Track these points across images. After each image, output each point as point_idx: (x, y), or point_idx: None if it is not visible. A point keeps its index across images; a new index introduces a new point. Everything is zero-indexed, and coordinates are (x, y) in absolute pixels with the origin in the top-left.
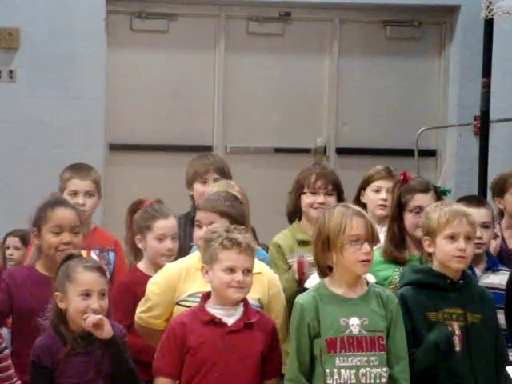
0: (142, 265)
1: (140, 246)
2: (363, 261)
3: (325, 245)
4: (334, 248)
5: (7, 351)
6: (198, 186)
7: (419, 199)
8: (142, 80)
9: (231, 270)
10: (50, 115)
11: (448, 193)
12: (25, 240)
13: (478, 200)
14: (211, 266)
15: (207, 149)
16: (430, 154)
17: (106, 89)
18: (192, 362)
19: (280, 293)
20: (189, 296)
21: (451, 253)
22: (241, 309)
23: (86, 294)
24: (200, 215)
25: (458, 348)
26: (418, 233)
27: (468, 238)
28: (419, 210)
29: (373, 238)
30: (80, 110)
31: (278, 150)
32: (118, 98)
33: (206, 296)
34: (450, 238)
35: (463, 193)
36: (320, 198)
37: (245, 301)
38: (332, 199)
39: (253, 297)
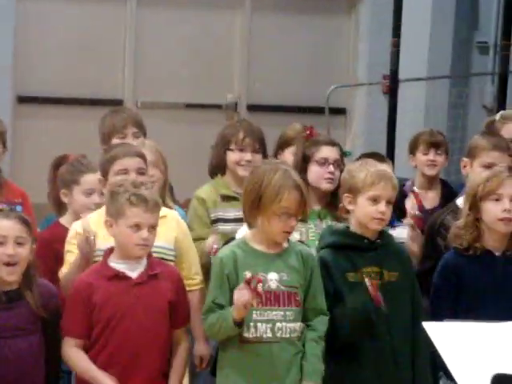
0: (64, 220)
1: (65, 200)
2: (285, 232)
3: (254, 204)
4: (263, 212)
5: None
6: (116, 141)
7: (325, 151)
8: (52, 31)
9: (137, 227)
10: None
11: (348, 154)
12: None
13: (379, 157)
14: (116, 221)
15: (118, 103)
16: (340, 112)
17: (14, 39)
18: (99, 318)
19: (186, 230)
20: (99, 251)
21: (372, 214)
22: (144, 261)
23: (1, 242)
24: (127, 162)
25: (383, 307)
26: (322, 186)
27: (389, 202)
28: (324, 161)
29: (302, 214)
30: None
31: (189, 106)
32: (26, 48)
33: (109, 251)
34: (372, 199)
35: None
36: (247, 156)
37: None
38: (259, 157)
39: (168, 241)
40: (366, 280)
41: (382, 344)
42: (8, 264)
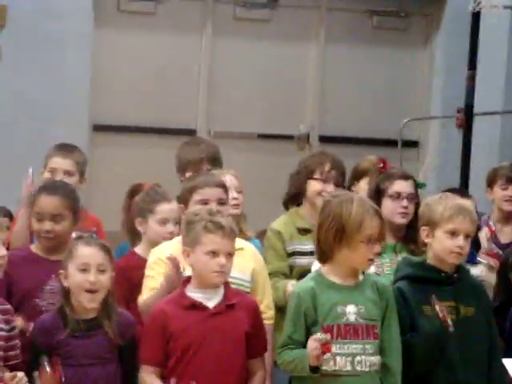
0: (139, 249)
1: (140, 229)
2: (370, 259)
3: (337, 237)
4: (347, 242)
5: (17, 330)
6: (188, 174)
7: (399, 185)
8: (127, 62)
9: (214, 254)
10: (35, 94)
11: (423, 186)
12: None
13: (461, 192)
14: (193, 249)
15: (191, 132)
16: (413, 145)
17: (91, 69)
18: (176, 347)
19: (263, 263)
20: None
21: (450, 248)
22: (221, 291)
23: (84, 269)
24: (208, 192)
25: (451, 328)
26: (396, 220)
27: (467, 236)
28: (398, 195)
29: (383, 237)
30: (65, 89)
31: (261, 136)
32: (103, 78)
33: (186, 281)
34: (450, 233)
35: (445, 185)
36: (330, 187)
37: (225, 283)
38: (338, 190)
39: (246, 273)
40: (436, 305)
41: (456, 377)
42: (90, 291)
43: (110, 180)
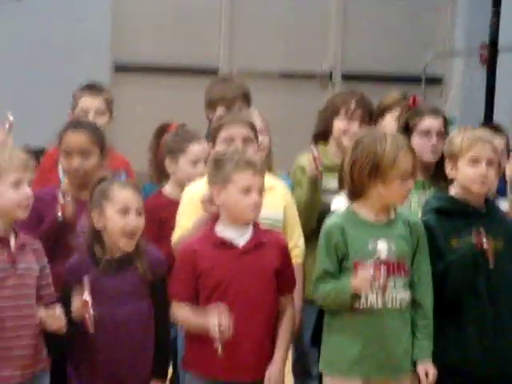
0: (167, 189)
1: (170, 169)
2: (403, 195)
3: (371, 174)
4: (382, 178)
5: (48, 270)
6: (220, 110)
7: (429, 122)
8: (148, 1)
9: (246, 191)
10: (56, 36)
11: (454, 121)
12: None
13: (493, 128)
14: (224, 187)
15: (213, 72)
16: (437, 81)
17: (111, 9)
18: (206, 285)
19: (292, 201)
20: None
21: (473, 176)
22: (250, 229)
23: (124, 211)
24: (234, 130)
25: (491, 265)
26: (425, 157)
27: (490, 164)
28: (427, 132)
29: (415, 174)
30: (85, 30)
31: (283, 75)
32: (124, 18)
33: (214, 218)
34: (471, 161)
35: (469, 122)
36: (355, 127)
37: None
38: (363, 128)
39: (277, 211)
40: (483, 237)
41: (484, 306)
42: (129, 234)
43: (132, 121)
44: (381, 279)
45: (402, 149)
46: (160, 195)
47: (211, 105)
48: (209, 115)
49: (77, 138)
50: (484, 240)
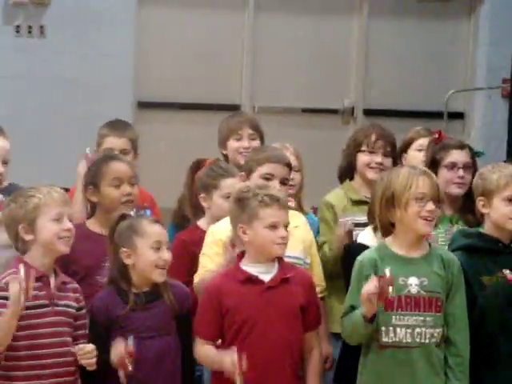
0: (202, 223)
1: (204, 204)
2: (426, 219)
3: (389, 202)
4: (399, 204)
5: (84, 311)
6: (232, 143)
7: (455, 155)
8: (171, 38)
9: (273, 227)
10: (79, 72)
11: (481, 154)
12: None
13: None
14: (250, 225)
15: (235, 108)
16: (459, 116)
17: (134, 46)
18: (232, 322)
19: (313, 237)
20: None
21: (508, 214)
22: (276, 265)
23: (157, 246)
24: (272, 167)
25: None
26: (453, 190)
27: None
28: (453, 165)
29: (438, 199)
30: (109, 67)
31: (305, 110)
32: (146, 55)
33: (240, 256)
34: (508, 200)
35: (491, 156)
36: (378, 158)
37: (279, 257)
38: (388, 161)
39: (303, 251)
40: (506, 272)
41: None
42: (162, 267)
43: (155, 157)
44: (385, 286)
45: (415, 173)
46: (195, 228)
47: (222, 139)
48: (222, 152)
49: (125, 167)
50: (507, 274)
